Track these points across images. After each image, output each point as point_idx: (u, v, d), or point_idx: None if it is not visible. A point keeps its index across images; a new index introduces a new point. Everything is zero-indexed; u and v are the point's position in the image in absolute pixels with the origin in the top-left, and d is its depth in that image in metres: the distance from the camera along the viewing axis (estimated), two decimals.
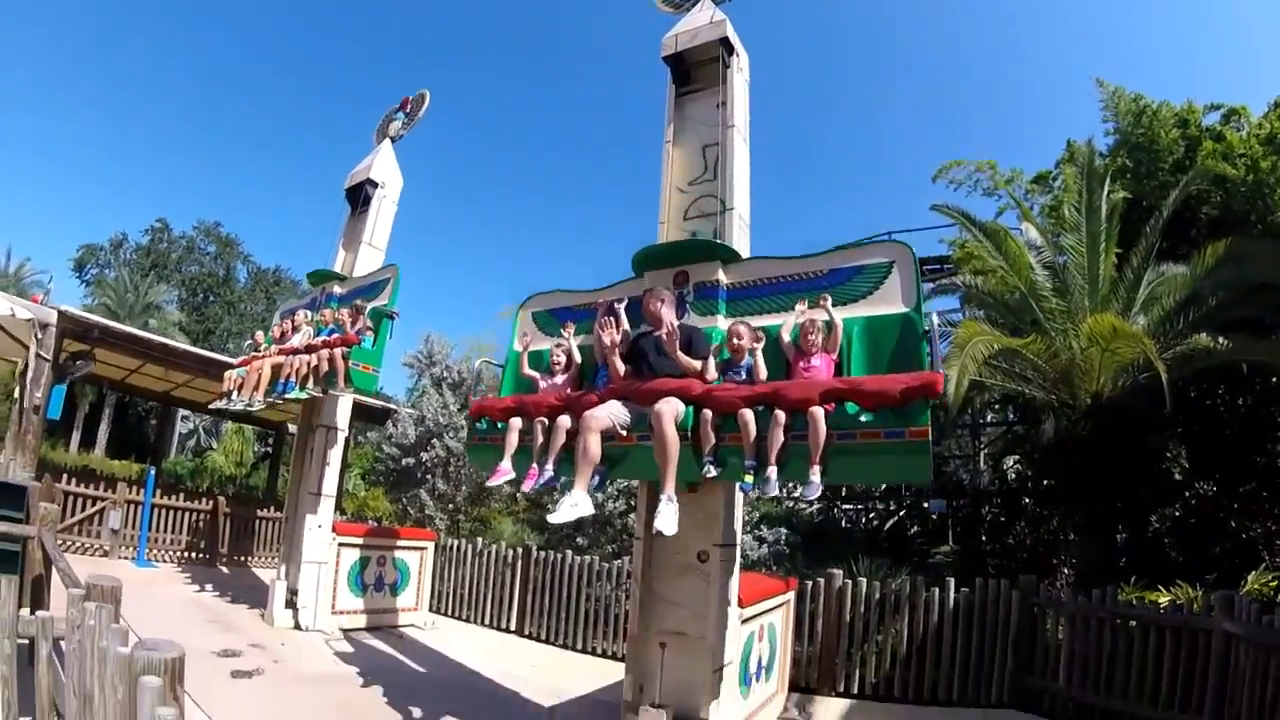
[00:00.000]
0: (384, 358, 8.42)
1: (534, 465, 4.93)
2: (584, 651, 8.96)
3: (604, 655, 8.76)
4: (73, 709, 2.78)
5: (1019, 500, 14.45)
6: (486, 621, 10.01)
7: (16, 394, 10.38)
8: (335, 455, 9.39)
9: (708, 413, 4.40)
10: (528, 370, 5.76)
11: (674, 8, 6.85)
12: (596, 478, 4.51)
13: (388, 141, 10.44)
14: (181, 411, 29.42)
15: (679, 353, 4.61)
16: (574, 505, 4.18)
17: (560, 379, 5.48)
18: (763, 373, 4.55)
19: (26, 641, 3.71)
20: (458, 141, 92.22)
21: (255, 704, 5.67)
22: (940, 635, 7.33)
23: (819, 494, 4.09)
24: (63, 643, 3.26)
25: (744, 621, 5.62)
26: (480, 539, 10.87)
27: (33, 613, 4.06)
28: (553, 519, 4.25)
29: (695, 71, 6.28)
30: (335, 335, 8.31)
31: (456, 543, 10.77)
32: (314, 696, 6.08)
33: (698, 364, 4.60)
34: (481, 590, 10.19)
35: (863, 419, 4.03)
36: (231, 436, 29.67)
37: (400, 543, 9.92)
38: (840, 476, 4.18)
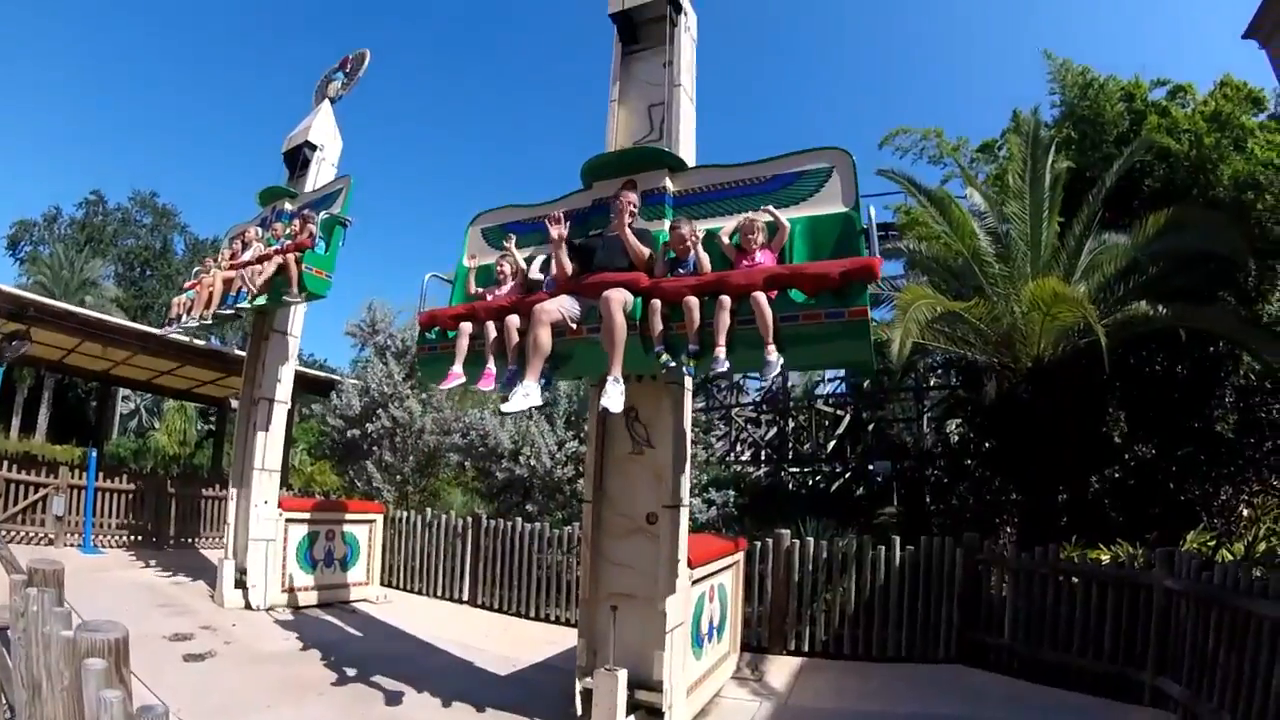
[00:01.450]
0: (336, 262, 8.29)
1: (489, 366, 4.92)
2: (537, 619, 8.95)
3: (558, 622, 8.75)
4: (22, 699, 2.69)
5: (962, 462, 14.76)
6: (439, 593, 9.93)
7: None
8: (278, 429, 9.20)
9: (656, 302, 4.51)
10: (475, 288, 5.73)
11: None
12: (546, 372, 4.58)
13: (327, 103, 10.11)
14: (122, 392, 28.63)
15: (630, 233, 4.78)
16: (525, 395, 4.33)
17: (508, 287, 5.43)
18: (707, 267, 4.66)
19: None
20: (399, 101, 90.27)
21: (209, 685, 5.57)
22: (887, 593, 7.47)
23: (777, 373, 4.20)
24: (10, 632, 3.15)
25: (694, 582, 5.64)
26: (430, 510, 10.76)
27: None
28: (505, 409, 4.46)
29: (642, 30, 6.14)
30: (289, 242, 8.14)
31: (406, 514, 10.64)
32: (268, 675, 5.98)
33: (648, 250, 4.77)
34: (433, 562, 10.09)
35: (804, 302, 4.21)
36: (174, 415, 28.97)
37: (349, 516, 9.76)
38: (786, 362, 4.30)
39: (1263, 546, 8.96)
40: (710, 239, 4.87)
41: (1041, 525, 9.79)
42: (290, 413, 10.06)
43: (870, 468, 18.93)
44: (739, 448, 22.95)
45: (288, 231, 8.36)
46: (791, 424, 22.86)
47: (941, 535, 7.70)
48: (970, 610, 7.21)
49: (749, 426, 23.59)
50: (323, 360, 38.33)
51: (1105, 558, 7.65)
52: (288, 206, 9.09)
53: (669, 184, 5.33)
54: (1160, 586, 6.03)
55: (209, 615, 7.87)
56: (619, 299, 4.36)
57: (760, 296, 4.18)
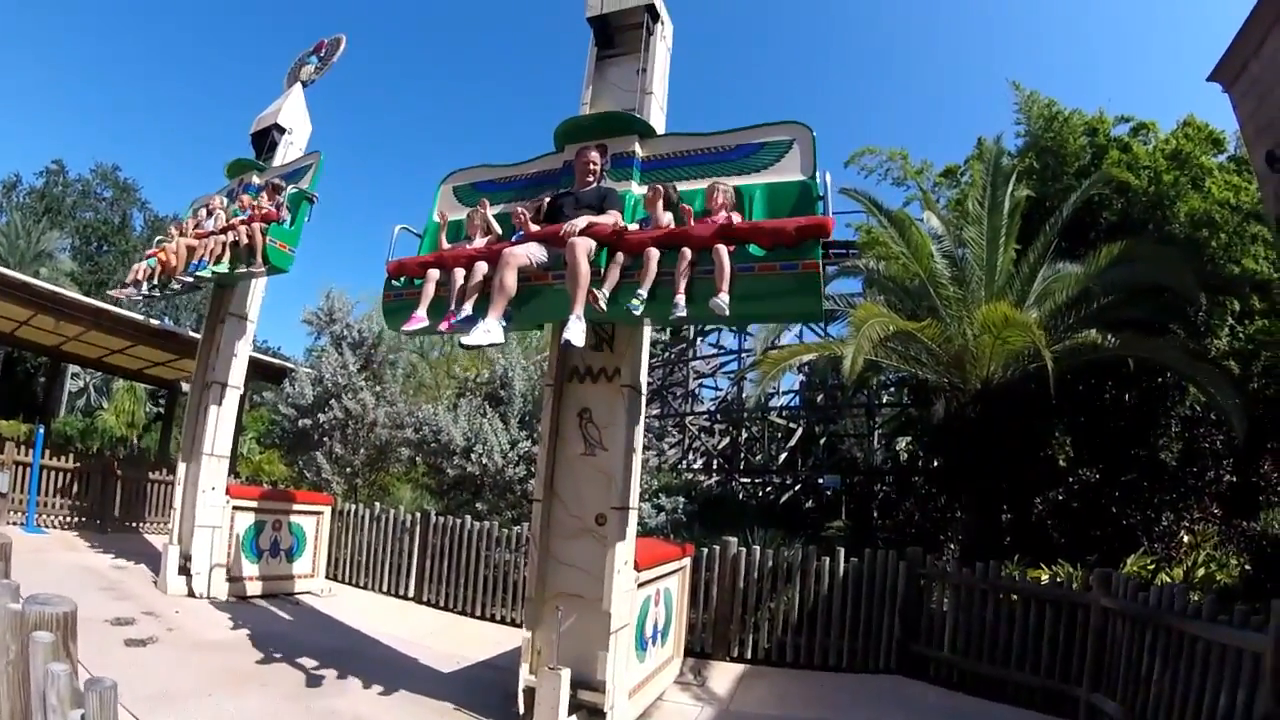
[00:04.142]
0: (301, 238, 8.24)
1: (452, 308, 4.95)
2: (483, 618, 8.91)
3: (503, 621, 8.73)
4: None
5: (909, 478, 15.02)
6: (384, 588, 9.84)
7: None
8: (229, 414, 9.05)
9: (619, 254, 4.73)
10: (445, 243, 5.73)
11: None
12: (509, 314, 4.69)
13: (298, 86, 10.01)
14: (72, 369, 27.86)
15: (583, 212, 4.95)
16: (487, 331, 4.49)
17: (479, 243, 5.45)
18: (672, 226, 4.87)
19: None
20: (368, 89, 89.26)
21: (149, 671, 5.46)
22: (830, 603, 7.58)
23: (725, 313, 4.34)
24: None
25: (640, 585, 5.67)
26: (378, 504, 10.66)
27: None
28: (465, 342, 4.55)
29: (619, 35, 6.20)
30: (256, 212, 8.04)
31: (354, 507, 10.52)
32: (211, 664, 5.90)
33: (611, 216, 4.92)
34: (379, 556, 9.99)
35: (761, 255, 4.44)
36: (123, 396, 28.25)
37: (297, 507, 9.63)
38: (741, 312, 4.54)
39: (1201, 572, 9.29)
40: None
41: (985, 543, 10.01)
42: (242, 399, 9.90)
43: (820, 481, 19.20)
44: (691, 456, 23.15)
45: (255, 202, 8.25)
46: (744, 434, 23.10)
47: (886, 549, 7.85)
48: (912, 623, 7.35)
49: (702, 435, 23.79)
50: (277, 348, 37.71)
51: (1045, 577, 7.87)
52: (255, 180, 8.93)
53: (638, 149, 5.50)
54: (1097, 606, 6.21)
55: (151, 601, 7.73)
56: (584, 245, 4.55)
57: (721, 248, 4.39)
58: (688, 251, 4.49)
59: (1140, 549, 10.18)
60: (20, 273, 12.31)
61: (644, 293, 4.53)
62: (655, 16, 6.06)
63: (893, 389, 18.46)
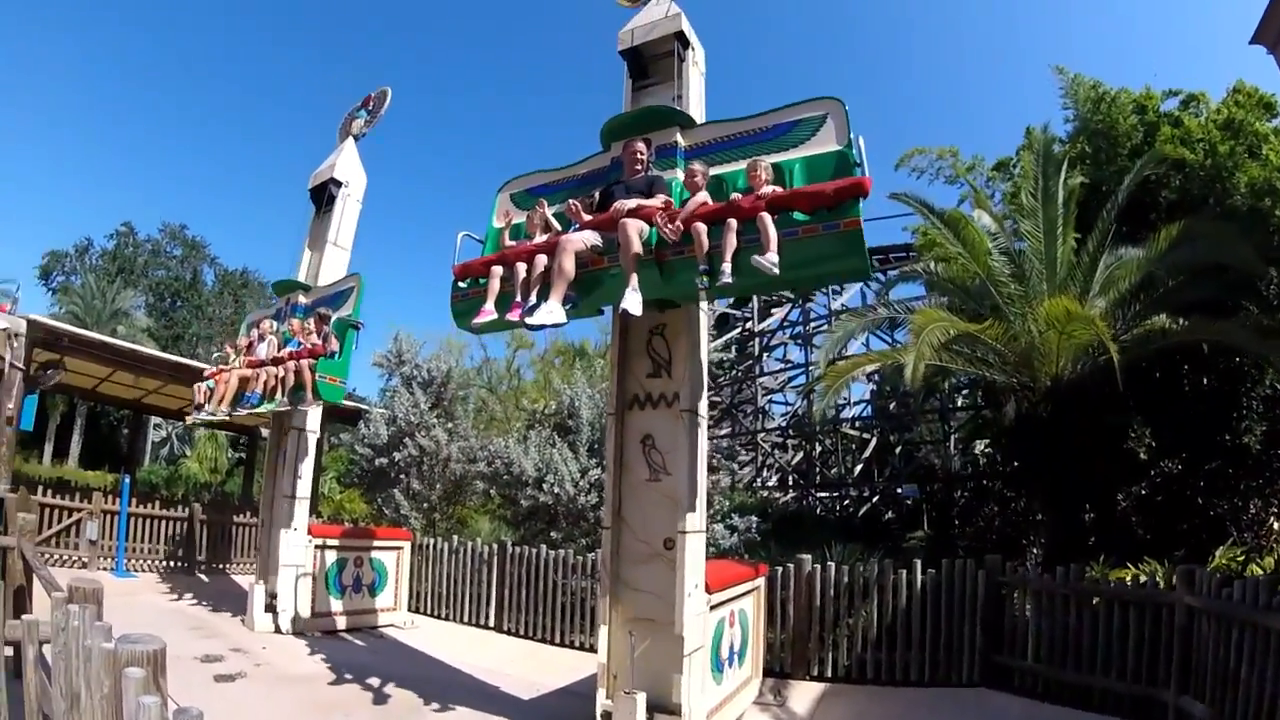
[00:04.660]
0: (350, 368, 8.54)
1: (517, 298, 5.15)
2: (561, 645, 9.02)
3: (581, 648, 8.80)
4: (60, 710, 2.83)
5: (987, 483, 14.65)
6: (464, 619, 10.04)
7: None
8: (308, 458, 9.41)
9: (669, 229, 4.86)
10: (509, 242, 5.97)
11: (631, 1, 6.91)
12: (572, 298, 4.97)
13: (350, 140, 10.42)
14: (154, 419, 29.15)
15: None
16: (550, 312, 4.79)
17: (539, 239, 5.65)
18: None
19: (10, 652, 3.72)
20: (424, 136, 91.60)
21: (238, 705, 5.72)
22: (910, 617, 7.45)
23: (774, 271, 4.43)
24: (46, 649, 3.30)
25: (713, 608, 5.69)
26: (456, 537, 10.90)
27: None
28: (530, 321, 4.86)
29: (652, 65, 6.34)
30: (303, 347, 8.37)
31: (432, 541, 10.79)
32: (297, 696, 6.14)
33: (660, 199, 5.15)
34: (459, 588, 10.21)
35: (803, 219, 4.58)
36: (205, 443, 29.43)
37: (377, 543, 9.95)
38: (791, 277, 4.70)
39: None
40: (719, 182, 5.27)
41: (1068, 545, 9.71)
42: (320, 441, 10.29)
43: (899, 491, 18.80)
44: (766, 473, 22.91)
45: (304, 324, 8.71)
46: (818, 448, 22.78)
47: (966, 557, 7.68)
48: (993, 632, 7.17)
49: (775, 452, 23.51)
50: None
51: (1131, 576, 7.59)
52: (302, 299, 9.43)
53: (680, 139, 5.72)
54: (1181, 605, 5.99)
55: (239, 638, 8.05)
56: (635, 225, 4.81)
57: (765, 216, 4.55)
58: (733, 222, 4.65)
59: (1229, 540, 9.73)
60: (97, 331, 12.98)
61: (704, 268, 4.69)
62: (686, 43, 6.18)
63: (966, 391, 18.02)
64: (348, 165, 10.18)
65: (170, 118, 75.57)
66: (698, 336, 5.74)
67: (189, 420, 10.37)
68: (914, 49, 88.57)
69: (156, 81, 73.98)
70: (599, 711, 5.31)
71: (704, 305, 6.01)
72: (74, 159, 68.65)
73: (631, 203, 5.04)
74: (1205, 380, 11.42)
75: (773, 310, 25.49)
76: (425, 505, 13.97)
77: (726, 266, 4.59)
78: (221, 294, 42.44)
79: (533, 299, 5.04)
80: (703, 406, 5.72)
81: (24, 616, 3.82)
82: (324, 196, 10.04)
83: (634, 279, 4.75)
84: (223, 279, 43.16)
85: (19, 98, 64.03)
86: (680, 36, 6.11)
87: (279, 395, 8.32)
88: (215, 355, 10.43)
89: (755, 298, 24.30)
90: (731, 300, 26.05)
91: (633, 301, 4.69)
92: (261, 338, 9.25)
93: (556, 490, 11.51)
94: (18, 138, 62.14)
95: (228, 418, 9.41)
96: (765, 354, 25.05)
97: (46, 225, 70.81)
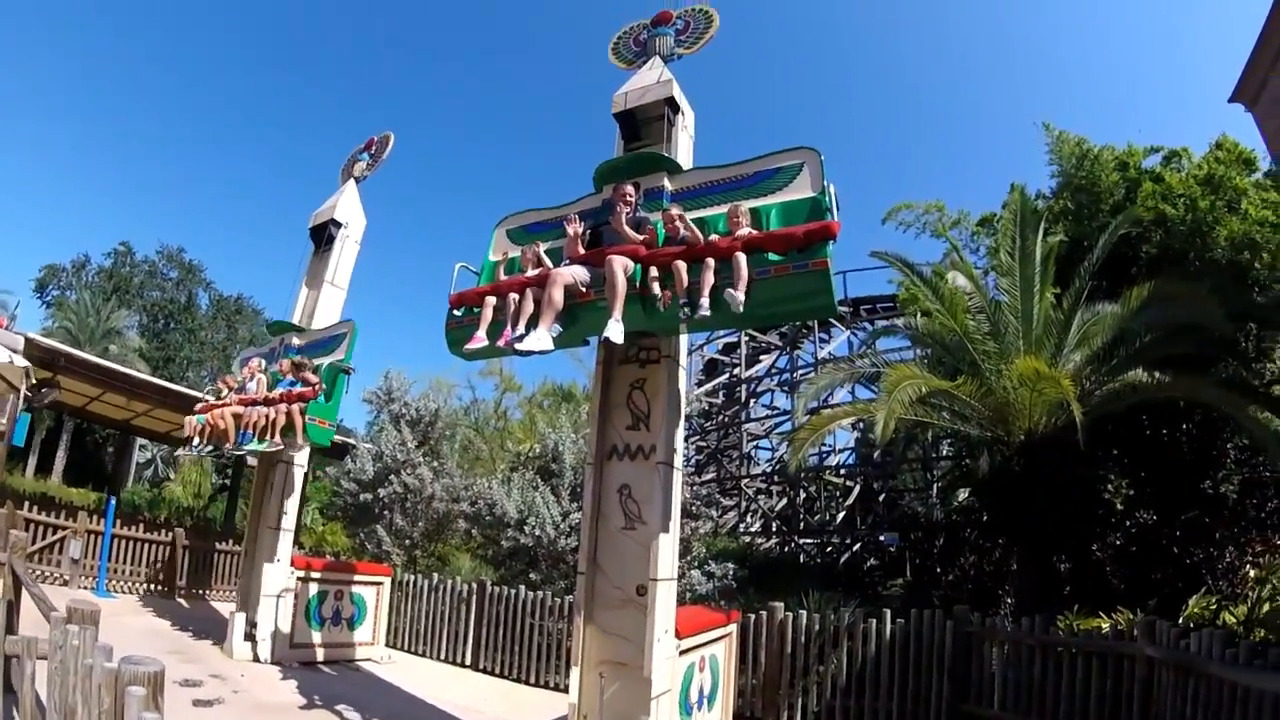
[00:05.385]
0: (339, 410, 8.79)
1: (507, 327, 5.42)
2: (536, 685, 9.11)
3: (555, 688, 8.88)
4: None
5: (964, 532, 14.79)
6: (442, 655, 10.10)
7: None
8: (294, 489, 9.54)
9: (653, 269, 5.26)
10: (503, 276, 6.23)
11: (625, 63, 7.25)
12: (558, 325, 5.23)
13: (352, 182, 10.67)
14: (140, 440, 29.08)
15: (626, 228, 5.55)
16: (538, 339, 5.03)
17: (531, 273, 5.92)
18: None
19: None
20: (421, 177, 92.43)
21: None
22: (879, 665, 7.59)
23: (739, 306, 4.77)
24: (38, 664, 3.44)
25: (683, 652, 5.86)
26: (436, 574, 10.99)
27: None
28: (519, 348, 5.12)
29: (644, 128, 6.67)
30: (294, 389, 8.58)
31: (413, 578, 10.87)
32: None
33: (643, 235, 5.54)
34: (437, 625, 10.28)
35: (775, 259, 4.91)
36: (190, 468, 29.27)
37: (358, 577, 10.03)
38: (762, 314, 5.23)
39: (1267, 607, 8.92)
40: (701, 224, 5.54)
41: (1042, 595, 9.86)
42: (306, 474, 10.42)
43: (881, 539, 18.88)
44: (749, 518, 22.93)
45: (296, 363, 8.93)
46: (802, 495, 22.86)
47: (941, 606, 7.82)
48: (961, 682, 7.30)
49: (759, 497, 23.56)
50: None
51: (1106, 626, 7.72)
52: (295, 341, 9.63)
53: (667, 183, 6.12)
54: (1141, 656, 6.18)
55: (218, 664, 8.12)
56: (621, 262, 5.16)
57: (740, 256, 4.90)
58: (711, 261, 5.00)
59: (1204, 588, 9.87)
60: (90, 349, 13.10)
61: (685, 302, 5.03)
62: (676, 109, 6.53)
63: (950, 440, 18.20)
64: (348, 207, 10.43)
65: (173, 141, 76.37)
66: (677, 392, 5.97)
67: (179, 453, 10.47)
68: (908, 102, 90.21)
69: (166, 106, 74.96)
70: None
71: (683, 360, 6.25)
72: (77, 175, 69.07)
73: (623, 248, 5.35)
74: (1183, 430, 11.60)
75: (760, 357, 25.81)
76: (407, 541, 14.04)
77: (704, 301, 4.92)
78: (215, 319, 42.37)
79: (522, 328, 5.30)
80: (678, 459, 5.93)
81: (23, 634, 3.98)
82: (323, 236, 10.27)
83: (618, 310, 5.03)
84: (217, 304, 43.10)
85: (32, 110, 64.77)
86: (671, 102, 6.45)
87: (269, 436, 8.48)
88: (208, 388, 10.57)
89: (743, 344, 24.74)
90: (721, 347, 26.43)
91: (615, 331, 4.98)
92: (251, 376, 9.44)
93: (538, 532, 11.64)
94: (23, 148, 62.68)
95: (221, 456, 9.56)
96: (752, 400, 25.24)
97: (45, 239, 70.91)
